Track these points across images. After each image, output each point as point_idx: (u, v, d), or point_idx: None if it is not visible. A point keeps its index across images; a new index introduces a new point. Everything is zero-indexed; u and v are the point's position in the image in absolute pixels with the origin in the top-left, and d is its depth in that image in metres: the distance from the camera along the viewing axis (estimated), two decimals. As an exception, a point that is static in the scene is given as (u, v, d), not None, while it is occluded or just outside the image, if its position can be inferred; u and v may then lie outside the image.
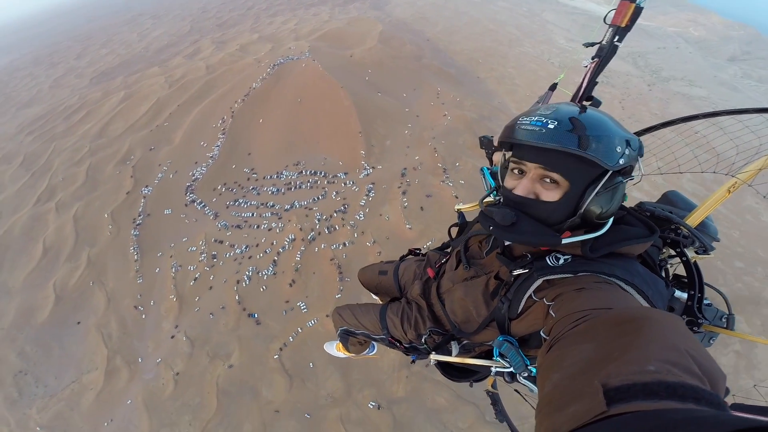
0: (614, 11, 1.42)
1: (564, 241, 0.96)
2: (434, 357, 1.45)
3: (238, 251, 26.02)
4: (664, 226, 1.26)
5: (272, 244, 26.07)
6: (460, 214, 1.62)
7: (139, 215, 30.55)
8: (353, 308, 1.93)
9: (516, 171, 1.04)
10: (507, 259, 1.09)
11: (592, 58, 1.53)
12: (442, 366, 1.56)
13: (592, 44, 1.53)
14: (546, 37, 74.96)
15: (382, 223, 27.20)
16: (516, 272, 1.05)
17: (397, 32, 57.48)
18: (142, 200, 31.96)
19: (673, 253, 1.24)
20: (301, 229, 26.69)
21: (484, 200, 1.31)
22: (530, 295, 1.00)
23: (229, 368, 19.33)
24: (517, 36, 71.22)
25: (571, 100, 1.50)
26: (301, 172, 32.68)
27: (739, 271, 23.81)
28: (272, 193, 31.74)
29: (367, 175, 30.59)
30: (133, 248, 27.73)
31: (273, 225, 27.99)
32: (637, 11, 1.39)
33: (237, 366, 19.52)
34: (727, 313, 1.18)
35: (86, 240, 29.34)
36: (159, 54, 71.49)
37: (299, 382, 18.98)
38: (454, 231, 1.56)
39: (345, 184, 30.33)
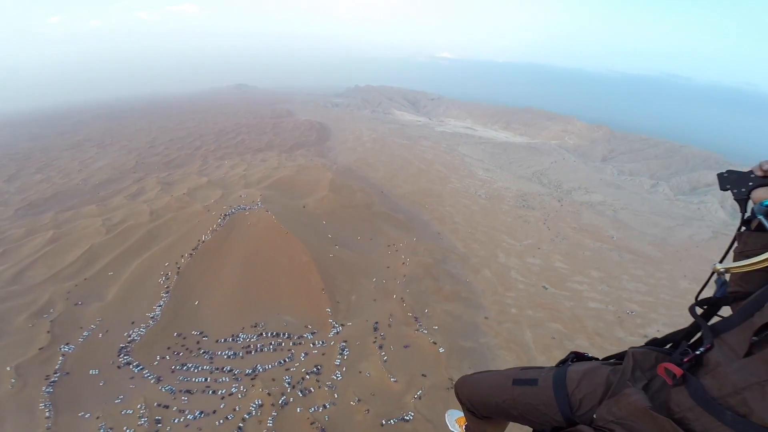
0: None
1: None
2: None
3: (189, 417, 23.72)
4: None
5: (234, 410, 23.99)
6: (722, 280, 1.17)
7: (55, 373, 27.02)
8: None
9: None
10: None
11: None
12: None
13: None
14: (467, 171, 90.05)
15: (363, 380, 26.40)
16: None
17: (346, 180, 64.21)
18: (60, 358, 28.25)
19: None
20: (269, 393, 24.93)
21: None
22: None
23: None
24: (445, 173, 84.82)
25: None
26: (261, 334, 30.71)
27: None
28: (228, 357, 28.76)
29: (337, 333, 29.89)
30: (44, 405, 24.61)
31: (233, 390, 25.85)
32: None
33: None
34: None
35: (-25, 390, 24.50)
36: (99, 188, 68.84)
37: None
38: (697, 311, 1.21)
39: (314, 344, 29.05)
